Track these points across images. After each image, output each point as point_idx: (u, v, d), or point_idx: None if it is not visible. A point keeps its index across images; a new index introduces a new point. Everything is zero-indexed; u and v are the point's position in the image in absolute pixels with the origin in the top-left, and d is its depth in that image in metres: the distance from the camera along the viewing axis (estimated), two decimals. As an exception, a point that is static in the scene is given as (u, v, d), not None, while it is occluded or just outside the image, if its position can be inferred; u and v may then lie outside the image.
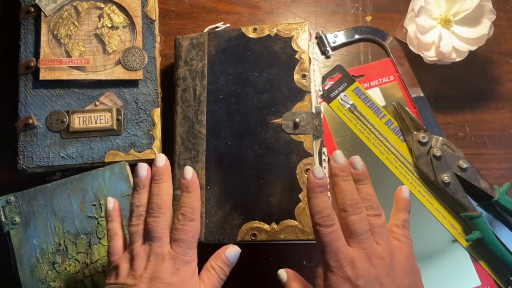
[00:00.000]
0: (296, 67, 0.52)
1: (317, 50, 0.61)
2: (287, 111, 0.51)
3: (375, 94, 0.60)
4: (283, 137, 0.50)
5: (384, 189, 0.56)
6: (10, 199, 0.52)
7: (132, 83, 0.56)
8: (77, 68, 0.55)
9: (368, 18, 0.63)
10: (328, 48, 0.61)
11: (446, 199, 0.55)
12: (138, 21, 0.57)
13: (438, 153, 0.55)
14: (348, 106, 0.59)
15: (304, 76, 0.52)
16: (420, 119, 0.58)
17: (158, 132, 0.55)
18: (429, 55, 0.57)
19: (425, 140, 0.56)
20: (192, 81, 0.54)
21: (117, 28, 0.57)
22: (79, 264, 0.51)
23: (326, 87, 0.60)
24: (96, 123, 0.54)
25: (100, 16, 0.57)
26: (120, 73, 0.56)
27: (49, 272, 0.50)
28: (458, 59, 0.57)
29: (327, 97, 0.59)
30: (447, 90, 0.61)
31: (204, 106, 0.53)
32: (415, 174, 0.56)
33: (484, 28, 0.56)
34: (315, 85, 0.54)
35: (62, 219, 0.52)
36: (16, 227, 0.51)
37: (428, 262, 0.53)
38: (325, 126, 0.59)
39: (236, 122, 0.52)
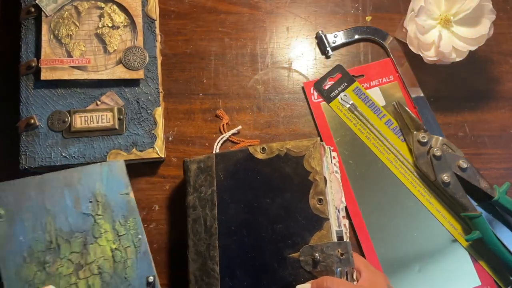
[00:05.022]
0: (311, 191, 0.46)
1: (329, 158, 0.52)
2: (305, 243, 0.45)
3: (375, 94, 0.60)
4: (303, 275, 0.44)
5: (384, 189, 0.56)
6: None
7: (133, 83, 0.56)
8: (78, 68, 0.55)
9: (368, 18, 0.63)
10: (328, 48, 0.61)
11: (446, 199, 0.55)
12: (139, 21, 0.58)
13: (438, 153, 0.55)
14: (348, 106, 0.59)
15: (320, 201, 0.46)
16: (420, 119, 0.58)
17: (159, 131, 0.55)
18: (429, 55, 0.57)
19: (425, 140, 0.56)
20: (202, 210, 0.49)
21: (118, 27, 0.57)
22: (72, 265, 0.47)
23: (326, 87, 0.60)
24: (97, 122, 0.54)
25: (100, 16, 0.57)
26: (121, 73, 0.56)
27: (38, 273, 0.46)
28: (458, 59, 0.57)
29: (327, 97, 0.59)
30: (447, 90, 0.61)
31: (215, 240, 0.47)
32: (415, 174, 0.56)
33: (484, 28, 0.56)
34: (334, 205, 0.48)
35: (54, 215, 0.47)
36: (1, 220, 0.47)
37: (428, 262, 0.53)
38: (325, 126, 0.58)
39: (251, 258, 0.46)
